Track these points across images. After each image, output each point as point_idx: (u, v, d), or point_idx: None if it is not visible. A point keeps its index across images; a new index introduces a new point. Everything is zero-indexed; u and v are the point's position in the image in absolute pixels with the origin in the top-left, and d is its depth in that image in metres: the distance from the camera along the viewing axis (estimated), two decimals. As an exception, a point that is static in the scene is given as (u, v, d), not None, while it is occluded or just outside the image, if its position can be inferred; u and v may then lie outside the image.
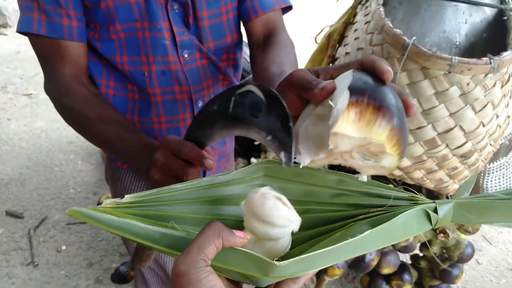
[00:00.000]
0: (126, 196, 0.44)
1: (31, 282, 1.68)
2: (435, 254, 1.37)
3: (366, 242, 0.38)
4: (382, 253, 1.34)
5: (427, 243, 1.36)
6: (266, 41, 0.81)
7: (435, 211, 0.43)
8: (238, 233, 0.38)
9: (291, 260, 0.35)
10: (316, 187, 0.49)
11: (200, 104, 0.84)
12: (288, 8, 0.86)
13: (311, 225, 0.47)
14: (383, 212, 0.44)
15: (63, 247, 1.85)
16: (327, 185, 0.49)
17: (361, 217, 0.44)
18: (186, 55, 0.79)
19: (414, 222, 0.42)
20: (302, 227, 0.42)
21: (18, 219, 1.97)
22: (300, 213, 0.42)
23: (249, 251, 0.37)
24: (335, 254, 0.37)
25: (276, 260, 0.36)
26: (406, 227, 0.41)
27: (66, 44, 0.73)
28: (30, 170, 2.29)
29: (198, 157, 0.52)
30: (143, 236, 0.39)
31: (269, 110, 0.43)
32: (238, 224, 0.48)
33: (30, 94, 2.98)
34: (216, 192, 0.49)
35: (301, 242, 0.45)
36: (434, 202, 0.44)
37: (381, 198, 0.47)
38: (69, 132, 2.64)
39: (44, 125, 2.69)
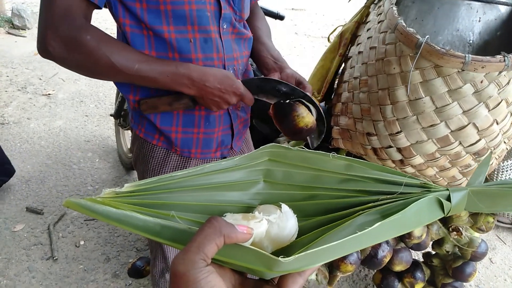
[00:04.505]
0: (126, 185, 0.42)
1: (50, 276, 1.72)
2: (447, 252, 1.36)
3: (375, 234, 0.37)
4: (395, 250, 1.34)
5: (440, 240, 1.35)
6: (252, 14, 1.14)
7: (448, 198, 0.41)
8: (241, 228, 0.36)
9: (296, 256, 0.34)
10: (324, 172, 0.47)
11: (231, 71, 0.98)
12: None
13: (318, 211, 0.45)
14: (394, 199, 0.42)
15: (82, 242, 1.90)
16: (335, 170, 0.47)
17: (370, 205, 0.42)
18: (224, 27, 0.94)
19: (425, 210, 0.40)
20: (309, 214, 0.41)
21: (38, 215, 2.02)
22: (306, 198, 0.40)
23: (253, 247, 0.36)
24: (342, 248, 0.36)
25: (282, 249, 0.35)
26: (417, 216, 0.39)
27: None
28: (50, 167, 2.35)
29: (252, 103, 0.94)
30: (143, 228, 0.37)
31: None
32: (241, 210, 0.46)
33: (49, 94, 3.05)
34: (219, 178, 0.46)
35: (308, 230, 0.43)
36: (448, 189, 0.42)
37: (392, 185, 0.44)
38: (87, 131, 2.70)
39: (62, 124, 2.75)
